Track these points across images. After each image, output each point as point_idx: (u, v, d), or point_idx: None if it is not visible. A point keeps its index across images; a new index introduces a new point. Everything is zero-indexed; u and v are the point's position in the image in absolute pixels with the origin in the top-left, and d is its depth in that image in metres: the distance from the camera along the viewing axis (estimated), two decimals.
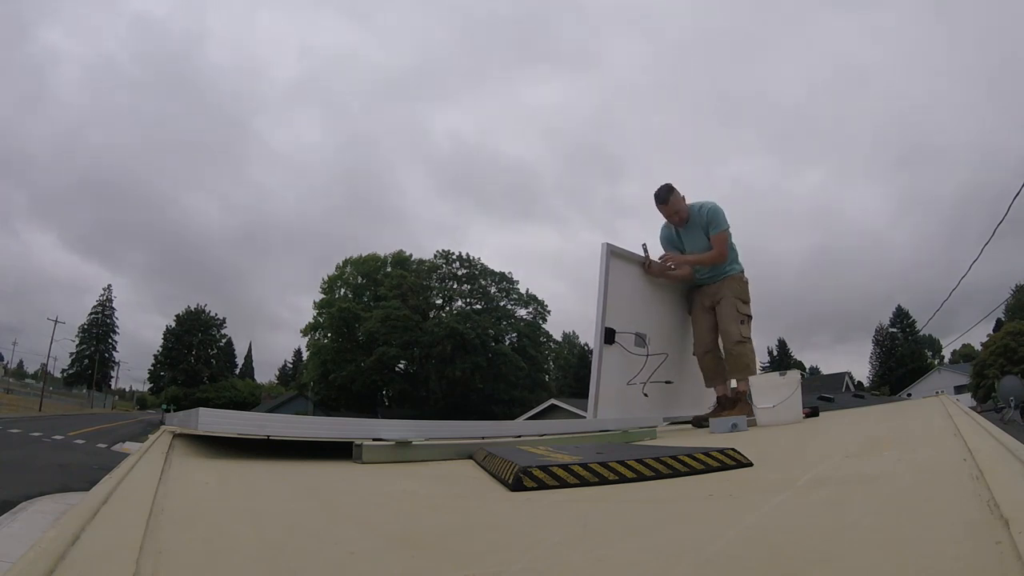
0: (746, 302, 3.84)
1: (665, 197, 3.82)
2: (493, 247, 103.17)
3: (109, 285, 76.23)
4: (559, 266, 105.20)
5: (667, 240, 4.04)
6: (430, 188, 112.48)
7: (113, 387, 73.49)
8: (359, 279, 50.57)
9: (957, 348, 57.00)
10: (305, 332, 48.85)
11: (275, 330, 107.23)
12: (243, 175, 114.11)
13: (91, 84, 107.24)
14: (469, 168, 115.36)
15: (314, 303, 49.40)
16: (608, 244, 3.66)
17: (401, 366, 45.97)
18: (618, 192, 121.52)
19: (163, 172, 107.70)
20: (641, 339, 3.78)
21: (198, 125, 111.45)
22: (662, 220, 3.95)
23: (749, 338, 3.78)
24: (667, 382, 3.88)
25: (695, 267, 3.94)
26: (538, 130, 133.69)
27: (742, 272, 3.92)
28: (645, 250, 3.89)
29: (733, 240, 3.91)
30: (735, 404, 3.62)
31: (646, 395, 3.72)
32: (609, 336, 3.58)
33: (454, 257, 48.79)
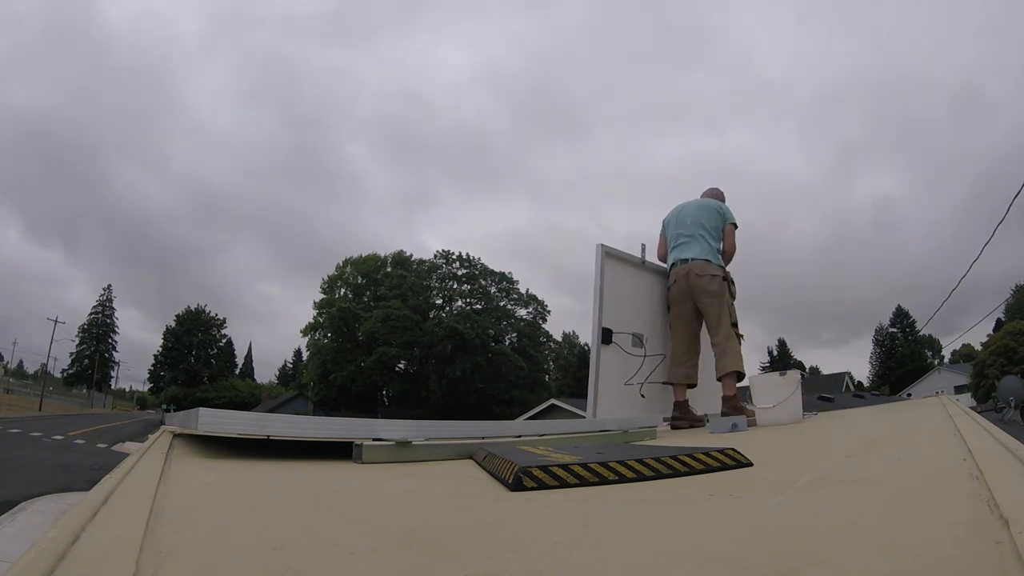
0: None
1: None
2: (464, 226, 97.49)
3: (109, 285, 75.67)
4: (523, 243, 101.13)
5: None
6: (381, 155, 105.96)
7: (113, 387, 73.41)
8: (359, 279, 50.54)
9: (957, 348, 56.82)
10: (305, 332, 48.84)
11: (245, 321, 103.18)
12: (179, 149, 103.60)
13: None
14: (417, 128, 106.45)
15: (314, 303, 49.39)
16: (603, 245, 3.66)
17: (401, 366, 45.93)
18: (582, 153, 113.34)
19: (93, 146, 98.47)
20: (638, 339, 3.78)
21: (115, 90, 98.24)
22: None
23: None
24: (664, 382, 3.89)
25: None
26: (489, 83, 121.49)
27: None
28: (643, 251, 3.90)
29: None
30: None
31: (643, 395, 3.72)
32: (606, 336, 3.58)
33: (454, 257, 48.81)
